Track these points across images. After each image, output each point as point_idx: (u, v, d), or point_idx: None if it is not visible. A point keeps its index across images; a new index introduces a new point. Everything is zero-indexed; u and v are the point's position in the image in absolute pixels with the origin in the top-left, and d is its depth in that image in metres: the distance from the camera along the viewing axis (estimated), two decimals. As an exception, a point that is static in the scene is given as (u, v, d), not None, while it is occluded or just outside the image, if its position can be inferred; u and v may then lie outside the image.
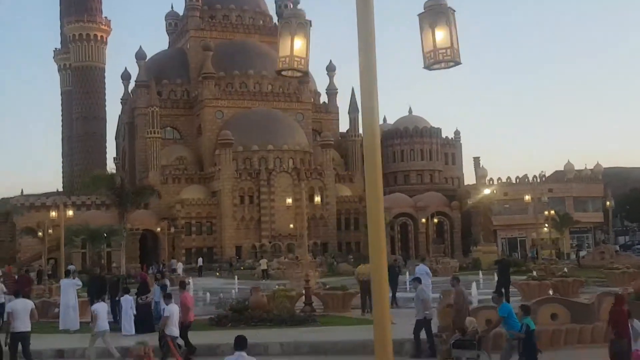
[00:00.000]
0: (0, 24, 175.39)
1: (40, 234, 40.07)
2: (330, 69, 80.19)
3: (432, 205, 65.19)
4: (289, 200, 58.64)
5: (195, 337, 13.27)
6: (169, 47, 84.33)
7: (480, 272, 31.47)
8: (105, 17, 73.86)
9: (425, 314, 12.44)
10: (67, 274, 18.93)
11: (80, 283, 17.78)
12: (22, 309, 12.29)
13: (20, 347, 12.24)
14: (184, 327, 12.90)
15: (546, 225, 48.15)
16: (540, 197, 41.90)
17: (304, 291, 18.43)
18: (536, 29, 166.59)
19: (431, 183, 77.61)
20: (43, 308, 19.26)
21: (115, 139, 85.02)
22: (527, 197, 37.00)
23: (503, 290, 16.51)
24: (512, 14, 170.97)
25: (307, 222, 65.30)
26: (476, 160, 66.22)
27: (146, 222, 62.80)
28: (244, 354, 6.93)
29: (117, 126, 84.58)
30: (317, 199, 62.75)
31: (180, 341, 12.57)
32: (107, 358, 13.10)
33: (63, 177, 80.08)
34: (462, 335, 10.82)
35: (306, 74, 4.98)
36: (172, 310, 12.29)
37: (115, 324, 15.73)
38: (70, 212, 33.21)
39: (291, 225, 61.94)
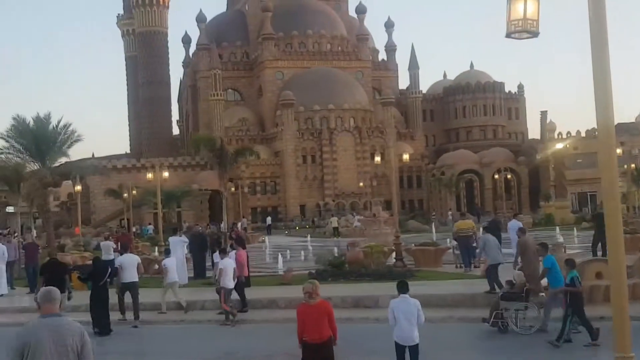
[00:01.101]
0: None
1: (125, 195, 41.57)
2: (389, 26, 79.14)
3: (497, 160, 64.36)
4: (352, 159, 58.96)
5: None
6: (227, 9, 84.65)
7: (558, 228, 31.14)
8: (167, -19, 74.54)
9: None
10: (175, 231, 19.86)
11: (187, 240, 18.63)
12: (129, 262, 13.59)
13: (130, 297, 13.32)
14: (239, 283, 13.52)
15: (621, 180, 46.76)
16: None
17: (394, 247, 18.78)
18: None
19: (494, 139, 76.56)
20: (144, 264, 20.27)
21: (178, 101, 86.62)
22: (619, 150, 36.04)
23: (600, 244, 16.42)
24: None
25: (370, 180, 66.23)
26: (543, 114, 64.72)
27: (212, 182, 64.20)
28: (407, 296, 7.42)
29: (179, 89, 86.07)
30: (378, 158, 62.82)
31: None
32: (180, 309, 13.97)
33: (130, 141, 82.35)
34: (511, 288, 11.06)
35: (537, 35, 5.04)
36: (226, 264, 13.00)
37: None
38: (165, 174, 34.46)
39: (361, 184, 62.50)
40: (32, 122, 29.13)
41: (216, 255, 16.56)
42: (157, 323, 13.56)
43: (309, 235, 38.30)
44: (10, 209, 78.47)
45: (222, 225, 47.53)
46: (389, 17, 79.08)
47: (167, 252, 15.37)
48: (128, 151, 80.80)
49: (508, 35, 5.02)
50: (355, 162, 65.99)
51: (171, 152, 73.16)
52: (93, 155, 68.83)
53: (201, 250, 18.91)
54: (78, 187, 33.11)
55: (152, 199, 41.93)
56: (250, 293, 14.44)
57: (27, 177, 25.68)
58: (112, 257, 17.42)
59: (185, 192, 46.26)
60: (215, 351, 10.77)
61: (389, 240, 27.20)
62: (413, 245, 20.33)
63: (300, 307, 6.99)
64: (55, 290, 4.60)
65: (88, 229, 52.23)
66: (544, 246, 11.38)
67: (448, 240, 22.96)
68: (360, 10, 76.38)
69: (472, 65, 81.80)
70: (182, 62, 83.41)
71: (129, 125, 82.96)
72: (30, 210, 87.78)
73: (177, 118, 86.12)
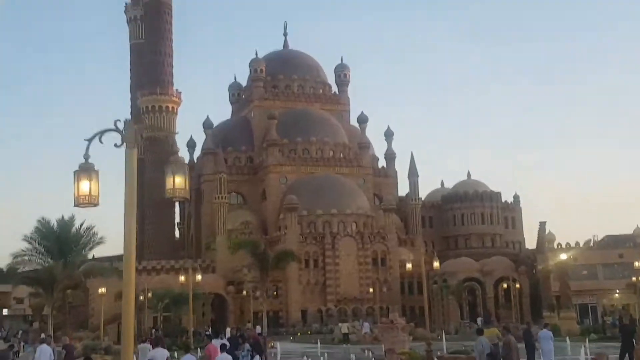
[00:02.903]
0: (71, 98, 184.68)
1: (141, 297, 41.60)
2: (389, 135, 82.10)
3: (498, 269, 65.05)
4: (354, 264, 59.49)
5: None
6: (232, 116, 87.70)
7: (568, 339, 31.41)
8: (176, 90, 77.69)
9: None
10: (217, 334, 20.28)
11: (228, 343, 18.94)
12: (160, 356, 14.86)
13: None
14: None
15: (617, 291, 47.45)
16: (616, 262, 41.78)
17: (426, 354, 19.17)
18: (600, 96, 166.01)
19: (492, 247, 77.71)
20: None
21: (179, 204, 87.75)
22: (637, 264, 37.04)
23: (627, 355, 16.97)
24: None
25: (372, 285, 66.39)
26: (542, 225, 66.04)
27: (214, 285, 64.20)
28: None
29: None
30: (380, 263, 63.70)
31: None
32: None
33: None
34: None
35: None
36: None
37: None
38: (199, 277, 34.83)
39: (370, 290, 63.18)
40: (55, 225, 29.98)
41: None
42: None
43: (318, 341, 38.22)
44: (5, 312, 77.44)
45: (227, 330, 47.40)
46: (388, 127, 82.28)
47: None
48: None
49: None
50: (357, 267, 66.45)
51: (173, 255, 73.45)
52: (93, 256, 68.95)
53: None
54: (102, 289, 33.31)
55: (156, 302, 41.98)
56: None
57: (59, 280, 26.16)
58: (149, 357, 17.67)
59: (193, 296, 46.05)
60: None
61: (406, 347, 27.46)
62: (444, 353, 20.70)
63: None
64: None
65: (86, 333, 51.39)
66: None
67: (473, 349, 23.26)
68: (362, 119, 79.48)
69: (469, 175, 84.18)
70: (186, 164, 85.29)
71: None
72: (24, 313, 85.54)
73: (178, 220, 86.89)
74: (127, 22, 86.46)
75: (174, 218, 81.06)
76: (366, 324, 44.34)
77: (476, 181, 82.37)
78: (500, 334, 18.79)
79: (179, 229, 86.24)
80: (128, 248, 7.15)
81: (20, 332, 58.96)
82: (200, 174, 77.40)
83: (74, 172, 7.55)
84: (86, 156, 7.56)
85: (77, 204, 7.43)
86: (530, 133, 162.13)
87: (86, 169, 7.53)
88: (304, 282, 65.80)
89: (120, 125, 7.61)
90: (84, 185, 7.46)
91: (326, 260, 66.26)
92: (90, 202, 7.50)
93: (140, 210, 78.52)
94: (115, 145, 7.68)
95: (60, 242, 29.00)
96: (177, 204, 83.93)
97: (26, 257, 28.86)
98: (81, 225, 30.15)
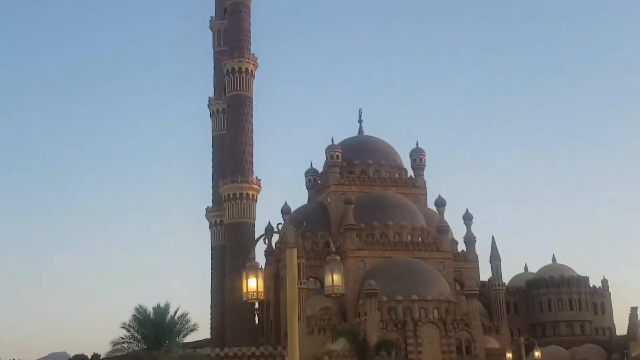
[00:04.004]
0: (157, 181, 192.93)
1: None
2: (467, 218, 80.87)
3: (590, 358, 61.55)
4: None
5: None
6: (308, 201, 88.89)
7: None
8: (256, 177, 79.86)
9: None
10: None
11: None
12: None
13: None
14: None
15: None
16: None
17: None
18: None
19: (582, 334, 73.97)
20: None
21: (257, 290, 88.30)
22: None
23: None
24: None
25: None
26: (633, 310, 62.78)
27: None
28: None
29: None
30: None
31: None
32: None
33: (211, 328, 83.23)
34: None
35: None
36: None
37: None
38: None
39: None
40: (152, 312, 30.66)
41: None
42: None
43: None
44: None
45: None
46: (467, 210, 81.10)
47: None
48: (207, 337, 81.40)
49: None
50: (440, 355, 64.25)
51: (253, 341, 73.31)
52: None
53: None
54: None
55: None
56: None
57: None
58: None
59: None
60: None
61: None
62: None
63: None
64: None
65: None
66: None
67: None
68: (440, 203, 78.86)
69: (554, 258, 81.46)
70: (265, 252, 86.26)
71: (211, 313, 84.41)
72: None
73: (257, 306, 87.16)
74: (210, 115, 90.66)
75: (254, 305, 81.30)
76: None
77: (562, 265, 79.61)
78: None
79: (257, 315, 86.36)
80: (292, 340, 7.35)
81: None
82: (279, 259, 77.95)
83: (244, 271, 8.11)
84: (252, 256, 8.04)
85: (246, 298, 7.93)
86: (616, 214, 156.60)
87: (253, 268, 8.06)
88: (385, 370, 63.86)
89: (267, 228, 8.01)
90: (252, 282, 8.01)
91: (408, 348, 64.41)
92: (257, 297, 8.04)
93: (221, 298, 79.52)
94: (274, 245, 8.12)
95: (156, 329, 29.54)
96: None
97: (124, 345, 29.49)
98: (175, 312, 30.72)
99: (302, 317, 69.26)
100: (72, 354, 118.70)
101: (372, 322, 65.15)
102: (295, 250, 7.77)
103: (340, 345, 67.55)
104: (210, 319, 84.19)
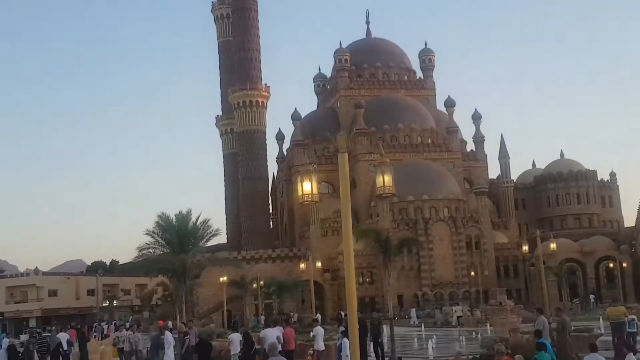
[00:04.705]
0: (166, 92, 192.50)
1: (254, 285, 43.70)
2: (476, 117, 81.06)
3: (599, 249, 63.52)
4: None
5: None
6: (317, 107, 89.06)
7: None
8: (265, 84, 79.79)
9: None
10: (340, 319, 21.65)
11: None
12: (271, 334, 17.66)
13: None
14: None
15: None
16: None
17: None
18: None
19: (590, 227, 75.67)
20: (300, 350, 21.90)
21: (271, 195, 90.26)
22: None
23: None
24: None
25: (466, 270, 66.32)
26: (643, 202, 63.93)
27: (309, 273, 65.88)
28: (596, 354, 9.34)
29: (272, 183, 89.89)
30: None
31: None
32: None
33: (227, 233, 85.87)
34: None
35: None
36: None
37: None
38: (318, 264, 35.87)
39: (472, 273, 63.01)
40: (174, 219, 32.03)
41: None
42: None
43: (422, 325, 38.98)
44: (115, 303, 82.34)
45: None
46: (475, 109, 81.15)
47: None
48: (224, 242, 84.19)
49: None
50: (451, 251, 66.51)
51: (268, 244, 75.89)
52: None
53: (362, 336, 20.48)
54: (224, 278, 35.09)
55: (266, 290, 43.78)
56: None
57: (190, 270, 28.01)
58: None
59: (297, 283, 48.09)
60: None
61: (516, 328, 27.75)
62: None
63: None
64: None
65: (194, 321, 54.20)
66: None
67: (599, 326, 23.48)
68: (449, 104, 78.88)
69: (562, 154, 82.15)
70: (276, 158, 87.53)
71: (226, 218, 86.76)
72: (132, 304, 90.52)
73: (270, 211, 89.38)
74: (215, 20, 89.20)
75: (269, 209, 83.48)
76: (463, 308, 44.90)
77: (570, 160, 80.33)
78: (625, 313, 18.95)
79: (272, 219, 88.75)
80: (347, 241, 7.97)
81: (130, 319, 62.86)
82: (291, 165, 79.20)
83: (299, 175, 8.60)
84: (305, 160, 8.64)
85: (302, 201, 8.41)
86: (624, 107, 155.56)
87: (307, 172, 8.56)
88: (398, 267, 66.32)
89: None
90: (307, 186, 8.45)
91: (420, 245, 66.57)
92: (312, 199, 8.42)
93: (236, 203, 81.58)
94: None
95: (180, 234, 30.99)
96: (269, 196, 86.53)
97: (150, 250, 30.98)
98: (197, 218, 32.04)
99: (315, 220, 71.37)
100: (89, 262, 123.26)
101: (384, 223, 66.99)
102: (346, 155, 8.30)
103: (359, 245, 69.95)
104: (226, 225, 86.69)
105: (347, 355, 17.89)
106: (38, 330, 30.12)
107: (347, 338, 18.34)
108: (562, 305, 40.08)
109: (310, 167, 8.87)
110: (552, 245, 39.21)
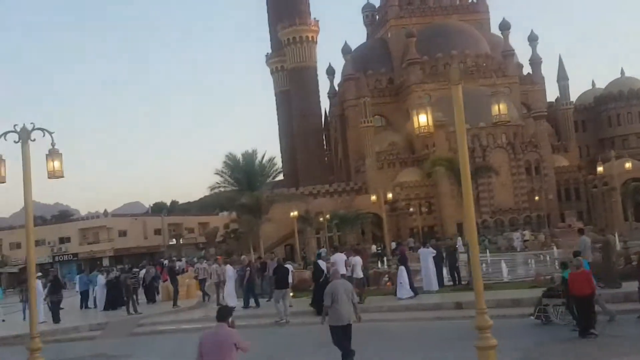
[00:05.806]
0: (216, 35, 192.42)
1: (321, 219, 44.83)
2: (533, 39, 78.73)
3: (665, 168, 61.85)
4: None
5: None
6: (367, 39, 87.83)
7: None
8: (314, 19, 78.94)
9: None
10: (425, 244, 22.13)
11: (434, 251, 20.69)
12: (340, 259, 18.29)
13: None
14: None
15: None
16: None
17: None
18: None
19: (653, 146, 73.71)
20: (375, 277, 22.71)
21: (324, 130, 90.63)
22: None
23: None
24: None
25: (527, 195, 65.94)
26: None
27: (367, 205, 66.73)
28: None
29: (325, 119, 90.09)
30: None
31: None
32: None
33: (284, 170, 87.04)
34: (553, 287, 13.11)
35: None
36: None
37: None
38: (389, 195, 36.51)
39: (537, 198, 62.90)
40: (241, 158, 32.90)
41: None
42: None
43: (487, 251, 39.34)
44: (182, 241, 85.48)
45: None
46: (532, 31, 78.72)
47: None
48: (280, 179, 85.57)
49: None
50: (510, 177, 66.04)
51: (323, 179, 76.78)
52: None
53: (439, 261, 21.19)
54: (294, 213, 36.21)
55: (329, 224, 44.88)
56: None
57: (269, 206, 28.98)
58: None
59: (358, 216, 49.00)
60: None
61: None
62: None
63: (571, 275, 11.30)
64: None
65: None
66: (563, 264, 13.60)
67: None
68: (504, 26, 76.62)
69: (622, 72, 79.29)
70: (328, 93, 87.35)
71: (281, 155, 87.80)
72: (196, 242, 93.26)
73: (325, 147, 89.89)
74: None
75: (323, 145, 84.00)
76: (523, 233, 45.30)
77: (631, 78, 77.57)
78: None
79: (326, 155, 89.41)
80: (464, 171, 8.16)
81: (203, 253, 65.26)
82: (343, 99, 79.06)
83: (414, 109, 8.81)
84: (421, 95, 8.79)
85: (418, 133, 8.63)
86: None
87: (422, 105, 8.78)
88: (456, 196, 66.41)
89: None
90: (422, 118, 8.67)
91: (478, 173, 66.12)
92: (428, 130, 8.61)
93: (291, 141, 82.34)
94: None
95: (247, 173, 31.93)
96: (323, 132, 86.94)
97: (221, 188, 32.03)
98: (262, 157, 32.83)
99: (370, 153, 71.61)
100: (146, 205, 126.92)
101: (442, 152, 66.69)
102: (460, 87, 8.50)
103: (412, 176, 70.25)
104: (281, 161, 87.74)
105: (400, 283, 18.55)
106: (128, 266, 31.84)
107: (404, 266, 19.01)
108: (629, 225, 39.70)
109: (423, 100, 8.97)
110: (627, 165, 38.42)
